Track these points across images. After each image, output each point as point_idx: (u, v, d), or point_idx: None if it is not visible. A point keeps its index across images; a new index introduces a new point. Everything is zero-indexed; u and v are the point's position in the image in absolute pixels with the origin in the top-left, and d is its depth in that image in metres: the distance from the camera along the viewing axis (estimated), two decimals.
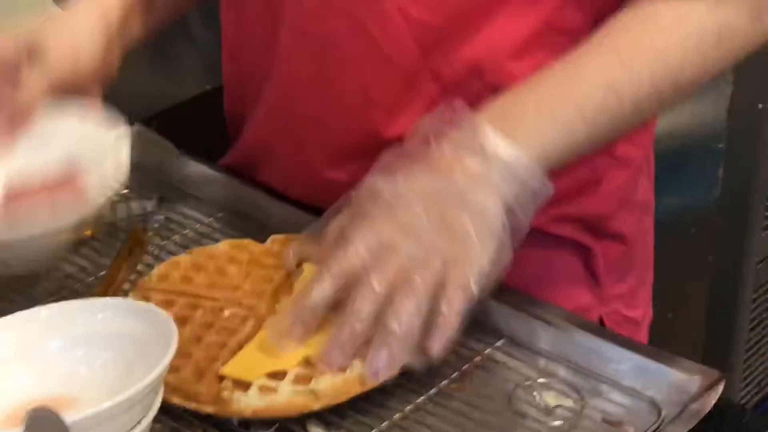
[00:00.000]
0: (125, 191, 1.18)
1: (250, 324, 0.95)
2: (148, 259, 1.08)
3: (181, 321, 0.95)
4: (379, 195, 0.92)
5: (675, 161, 1.94)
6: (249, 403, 0.88)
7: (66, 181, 1.01)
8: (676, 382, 0.92)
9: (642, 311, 1.18)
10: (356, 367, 0.89)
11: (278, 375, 0.90)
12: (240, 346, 0.93)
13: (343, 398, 0.88)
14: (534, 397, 0.92)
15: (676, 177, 1.94)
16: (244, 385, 0.89)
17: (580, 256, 1.11)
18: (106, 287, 1.02)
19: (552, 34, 1.02)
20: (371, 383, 0.89)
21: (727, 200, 2.09)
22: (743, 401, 2.28)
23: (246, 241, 1.05)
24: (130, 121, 1.26)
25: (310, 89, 1.06)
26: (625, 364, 0.94)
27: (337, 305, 0.91)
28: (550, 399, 0.92)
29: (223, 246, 1.04)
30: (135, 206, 1.16)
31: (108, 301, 0.90)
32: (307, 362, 0.90)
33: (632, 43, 0.98)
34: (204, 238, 1.12)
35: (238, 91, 1.18)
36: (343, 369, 0.88)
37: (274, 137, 1.13)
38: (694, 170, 1.94)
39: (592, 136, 0.97)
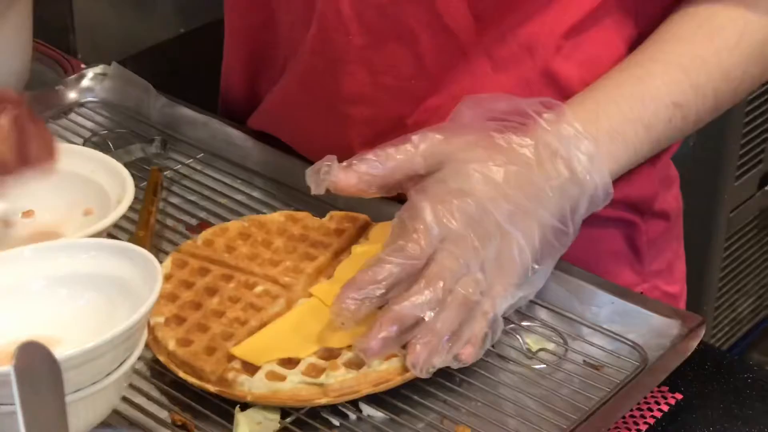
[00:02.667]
0: (122, 130, 1.18)
1: (279, 303, 0.92)
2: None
3: (211, 292, 0.94)
4: (467, 179, 0.90)
5: None
6: (252, 387, 0.85)
7: None
8: (657, 326, 0.93)
9: (679, 287, 1.19)
10: (372, 367, 0.86)
11: (291, 362, 0.87)
12: (261, 326, 0.90)
13: (351, 397, 0.86)
14: (517, 340, 0.92)
15: None
16: (252, 369, 0.87)
17: (624, 233, 1.12)
18: (146, 232, 1.01)
19: (606, 13, 1.02)
20: (405, 376, 0.87)
21: (700, 149, 2.10)
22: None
23: (303, 214, 1.02)
24: (107, 62, 1.25)
25: (362, 62, 1.04)
26: (606, 308, 0.95)
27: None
28: (533, 342, 0.93)
29: (278, 216, 1.01)
30: (136, 149, 1.15)
31: (91, 241, 0.89)
32: (324, 354, 0.88)
33: (698, 59, 0.98)
34: (184, 179, 1.12)
35: (257, 55, 1.16)
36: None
37: (310, 111, 1.10)
38: None
39: (654, 150, 0.99)
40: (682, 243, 1.20)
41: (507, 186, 0.90)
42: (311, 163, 1.10)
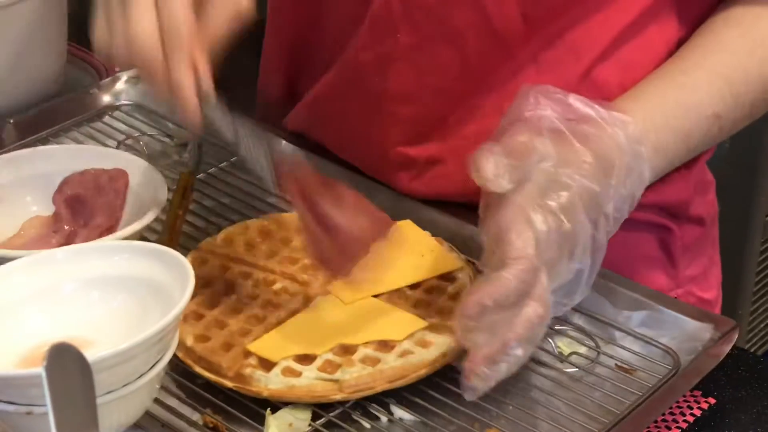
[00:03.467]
0: (156, 133, 1.18)
1: (297, 301, 0.93)
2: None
3: (229, 289, 0.95)
4: (572, 196, 0.86)
5: None
6: (268, 383, 0.86)
7: None
8: (690, 330, 0.93)
9: (715, 292, 1.18)
10: (388, 363, 0.87)
11: (307, 359, 0.88)
12: (279, 323, 0.91)
13: (366, 393, 0.86)
14: (549, 344, 0.92)
15: None
16: (268, 365, 0.87)
17: (659, 238, 1.11)
18: (170, 235, 1.02)
19: (652, 17, 1.02)
20: (420, 373, 0.87)
21: (736, 152, 2.08)
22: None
23: None
24: None
25: (407, 61, 1.04)
26: (639, 312, 0.95)
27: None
28: (565, 346, 0.93)
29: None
30: (170, 152, 1.16)
31: (123, 243, 0.90)
32: (340, 350, 0.88)
33: (740, 69, 0.98)
34: (218, 182, 1.12)
35: (299, 53, 1.16)
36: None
37: (352, 108, 1.10)
38: None
39: (687, 158, 0.99)
40: (718, 249, 1.19)
41: (595, 209, 0.88)
42: (346, 165, 1.11)
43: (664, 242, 1.11)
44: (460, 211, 1.04)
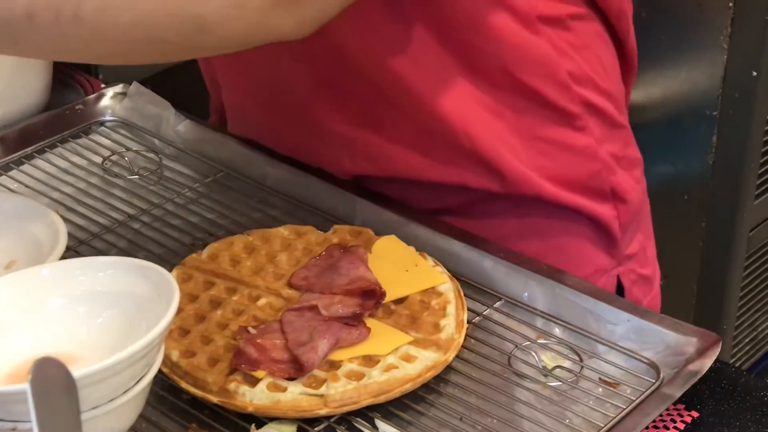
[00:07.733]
0: (141, 149, 1.19)
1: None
2: (146, 218, 1.09)
3: (215, 304, 0.95)
4: None
5: (669, 128, 1.94)
6: (253, 398, 0.87)
7: None
8: (673, 344, 0.93)
9: (652, 268, 1.19)
10: (373, 377, 0.87)
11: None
12: None
13: (351, 407, 0.87)
14: (532, 357, 0.93)
15: (670, 144, 1.94)
16: (253, 380, 0.88)
17: (594, 220, 1.11)
18: None
19: None
20: (405, 387, 0.88)
21: (720, 167, 2.09)
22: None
23: (307, 228, 1.03)
24: (128, 81, 1.26)
25: None
26: (622, 326, 0.95)
27: None
28: (548, 360, 0.93)
29: (283, 230, 1.03)
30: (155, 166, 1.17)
31: (109, 259, 0.90)
32: (325, 365, 0.89)
33: None
34: (203, 197, 1.13)
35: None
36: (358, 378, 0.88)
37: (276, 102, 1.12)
38: (688, 137, 1.94)
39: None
40: (651, 224, 1.20)
41: None
42: (328, 180, 1.11)
43: (599, 224, 1.12)
44: (445, 226, 1.05)
